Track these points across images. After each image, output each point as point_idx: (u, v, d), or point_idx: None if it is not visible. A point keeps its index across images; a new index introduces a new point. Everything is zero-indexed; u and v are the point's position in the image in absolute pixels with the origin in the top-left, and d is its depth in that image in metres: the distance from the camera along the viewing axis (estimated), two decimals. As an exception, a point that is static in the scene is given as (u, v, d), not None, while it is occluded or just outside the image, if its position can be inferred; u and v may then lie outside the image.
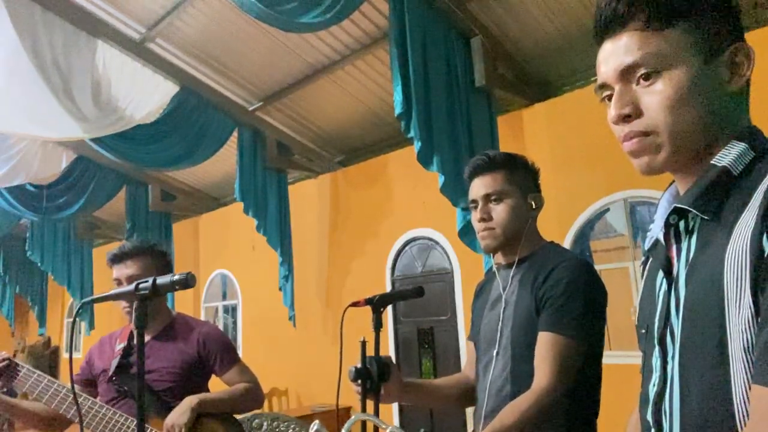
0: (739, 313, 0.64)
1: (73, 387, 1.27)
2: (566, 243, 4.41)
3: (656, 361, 0.78)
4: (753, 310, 0.62)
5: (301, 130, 6.09)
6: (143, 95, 5.11)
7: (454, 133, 4.10)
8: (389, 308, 5.61)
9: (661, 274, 0.80)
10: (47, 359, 10.73)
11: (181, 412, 1.71)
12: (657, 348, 0.78)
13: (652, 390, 0.78)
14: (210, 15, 4.67)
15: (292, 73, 5.26)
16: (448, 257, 5.30)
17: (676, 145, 0.74)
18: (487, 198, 1.44)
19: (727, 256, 0.66)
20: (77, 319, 3.38)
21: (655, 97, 0.74)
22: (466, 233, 4.05)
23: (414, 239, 5.64)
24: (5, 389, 1.82)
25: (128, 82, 5.03)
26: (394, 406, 5.44)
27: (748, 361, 0.63)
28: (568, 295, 1.30)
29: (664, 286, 0.79)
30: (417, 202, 5.47)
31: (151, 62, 5.11)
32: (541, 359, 1.28)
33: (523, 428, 1.19)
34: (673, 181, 0.85)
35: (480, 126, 4.30)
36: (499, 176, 1.44)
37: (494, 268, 1.53)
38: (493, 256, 1.54)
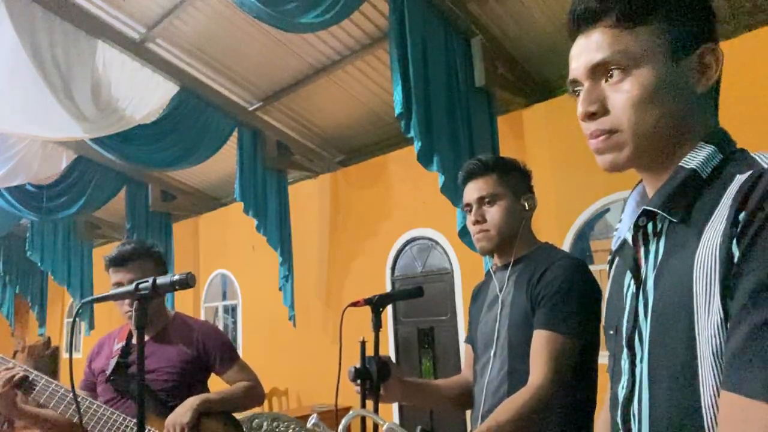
0: (708, 317, 0.64)
1: (72, 386, 1.27)
2: (566, 243, 4.42)
3: (625, 363, 0.77)
4: (722, 315, 0.62)
5: (301, 130, 6.09)
6: (143, 95, 5.11)
7: (454, 133, 4.10)
8: (389, 308, 5.61)
9: (629, 275, 0.80)
10: (47, 359, 10.74)
11: (183, 412, 1.71)
12: (625, 350, 0.77)
13: (621, 392, 0.78)
14: (210, 15, 4.67)
15: (292, 73, 5.26)
16: (448, 257, 5.30)
17: (640, 144, 0.74)
18: (480, 201, 1.47)
19: (696, 260, 0.66)
20: (77, 319, 3.37)
21: (621, 96, 0.74)
22: (466, 233, 4.05)
23: (414, 239, 5.64)
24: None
25: (128, 82, 5.03)
26: (395, 406, 5.44)
27: (717, 366, 0.63)
28: (562, 293, 1.32)
29: (632, 287, 0.78)
30: (417, 202, 5.47)
31: (151, 62, 5.11)
32: (536, 357, 1.29)
33: (519, 425, 1.20)
34: (641, 181, 0.84)
35: (480, 126, 4.30)
36: (491, 179, 1.46)
37: (492, 269, 1.55)
38: (492, 258, 1.55)
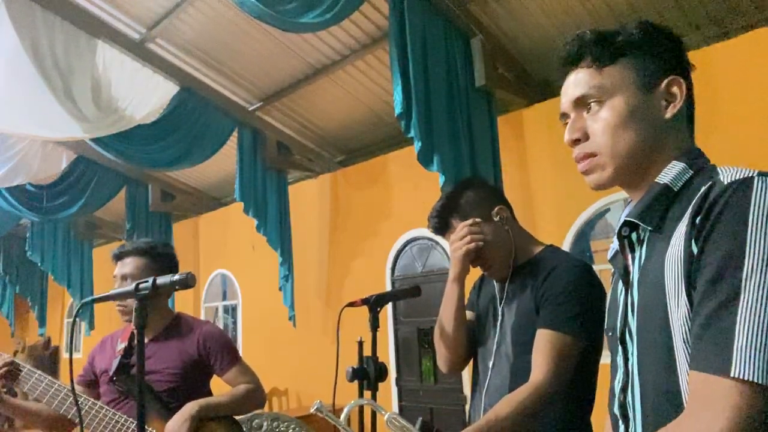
0: (678, 309, 0.73)
1: (73, 387, 1.27)
2: (566, 243, 4.41)
3: (619, 359, 0.87)
4: (688, 306, 0.72)
5: (301, 130, 6.09)
6: (143, 95, 5.11)
7: (454, 133, 4.09)
8: (389, 308, 5.60)
9: (620, 280, 0.90)
10: (47, 359, 10.73)
11: (182, 421, 1.69)
12: (619, 347, 0.87)
13: (618, 386, 0.87)
14: (210, 15, 4.67)
15: (292, 73, 5.26)
16: (448, 257, 5.29)
17: (617, 164, 0.85)
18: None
19: (666, 261, 0.76)
20: (77, 319, 3.37)
21: (599, 124, 0.87)
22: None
23: (414, 239, 5.64)
24: (5, 389, 1.81)
25: (128, 82, 5.03)
26: (395, 404, 5.43)
27: (687, 351, 0.72)
28: (567, 294, 1.33)
29: (623, 291, 0.88)
30: (417, 202, 5.46)
31: (151, 62, 5.11)
32: (538, 355, 1.31)
33: (517, 420, 1.21)
34: None
35: (480, 126, 4.29)
36: (457, 225, 1.46)
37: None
38: None
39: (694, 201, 0.74)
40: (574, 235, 4.45)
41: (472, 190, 1.50)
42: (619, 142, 0.84)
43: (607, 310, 0.97)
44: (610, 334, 0.92)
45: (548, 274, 1.37)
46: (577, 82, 0.90)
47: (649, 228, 0.82)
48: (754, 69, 3.53)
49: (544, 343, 1.30)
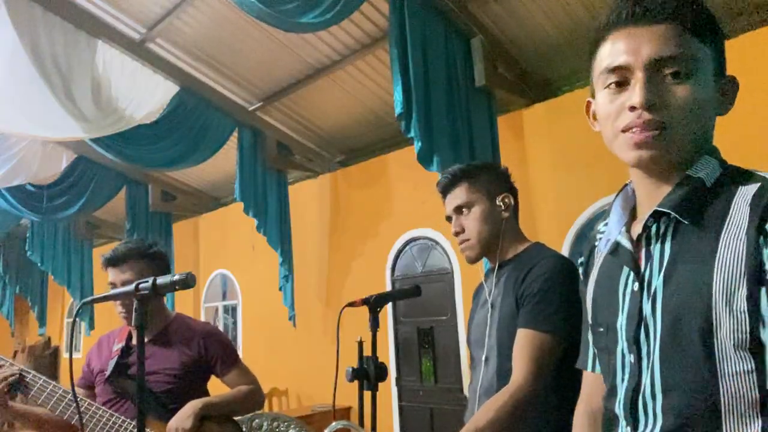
0: (730, 316, 0.69)
1: (72, 387, 1.26)
2: (566, 243, 4.41)
3: (626, 358, 0.81)
4: (747, 314, 0.68)
5: (301, 130, 6.09)
6: (143, 95, 5.11)
7: (454, 133, 4.09)
8: (389, 308, 5.60)
9: (628, 275, 0.83)
10: (47, 359, 10.73)
11: (186, 417, 1.70)
12: (626, 345, 0.81)
13: (623, 385, 0.81)
14: (210, 15, 4.67)
15: (292, 73, 5.26)
16: (448, 257, 5.29)
17: (681, 148, 0.78)
18: (457, 211, 1.50)
19: (716, 264, 0.71)
20: (77, 319, 3.37)
21: (679, 98, 0.75)
22: (466, 233, 4.04)
23: (414, 239, 5.64)
24: (12, 395, 1.79)
25: (128, 82, 5.03)
26: (395, 406, 5.43)
27: (740, 358, 0.69)
28: (544, 291, 1.32)
29: (631, 287, 0.82)
30: (417, 202, 5.47)
31: (151, 62, 5.11)
32: (517, 356, 1.30)
33: (498, 426, 1.20)
34: (625, 185, 0.91)
35: (480, 126, 4.29)
36: (463, 188, 1.50)
37: (484, 272, 1.56)
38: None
39: (746, 202, 0.72)
40: (574, 235, 4.45)
41: (495, 171, 1.55)
42: (690, 127, 0.77)
43: (591, 303, 0.92)
44: (601, 329, 0.87)
45: (527, 273, 1.37)
46: (666, 39, 0.76)
47: (686, 222, 0.76)
48: (755, 69, 3.53)
49: (523, 343, 1.30)
